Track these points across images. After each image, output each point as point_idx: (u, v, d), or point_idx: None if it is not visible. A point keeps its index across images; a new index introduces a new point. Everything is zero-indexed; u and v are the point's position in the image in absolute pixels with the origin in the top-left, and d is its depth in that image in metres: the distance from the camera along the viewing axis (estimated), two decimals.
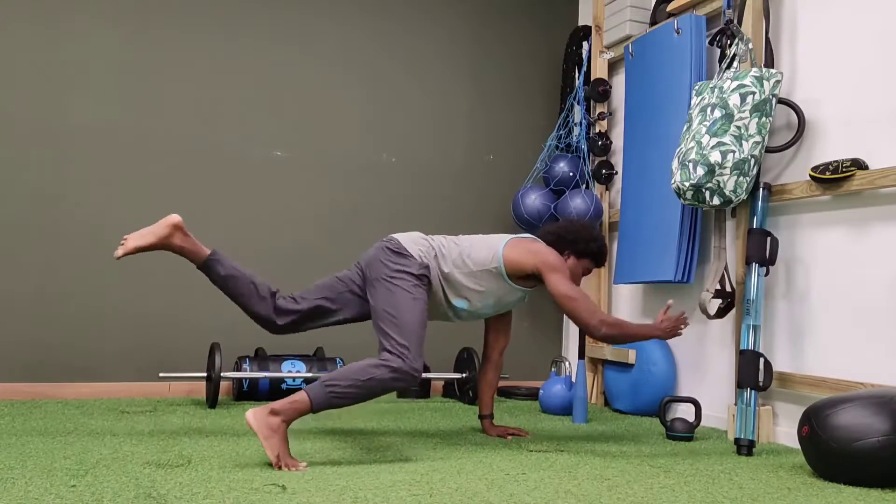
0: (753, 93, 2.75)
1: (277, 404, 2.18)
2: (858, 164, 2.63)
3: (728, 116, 2.75)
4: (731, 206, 2.86)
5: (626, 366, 3.56)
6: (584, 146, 3.95)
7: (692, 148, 2.81)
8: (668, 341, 3.50)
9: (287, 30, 3.90)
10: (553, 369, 3.76)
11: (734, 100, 2.76)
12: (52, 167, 3.48)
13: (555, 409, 3.45)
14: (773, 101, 2.80)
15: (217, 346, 3.29)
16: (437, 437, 2.75)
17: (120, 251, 2.42)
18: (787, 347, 2.93)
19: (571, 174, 3.84)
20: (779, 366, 2.92)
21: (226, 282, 2.61)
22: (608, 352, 3.69)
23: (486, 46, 4.31)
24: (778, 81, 2.79)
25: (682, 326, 2.58)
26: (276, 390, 3.48)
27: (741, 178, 2.77)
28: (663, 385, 3.41)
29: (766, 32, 3.01)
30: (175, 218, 2.51)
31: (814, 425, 2.22)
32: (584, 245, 2.72)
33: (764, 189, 2.88)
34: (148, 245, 2.46)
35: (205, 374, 3.34)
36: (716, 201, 2.81)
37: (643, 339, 2.62)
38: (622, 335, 2.53)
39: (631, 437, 2.91)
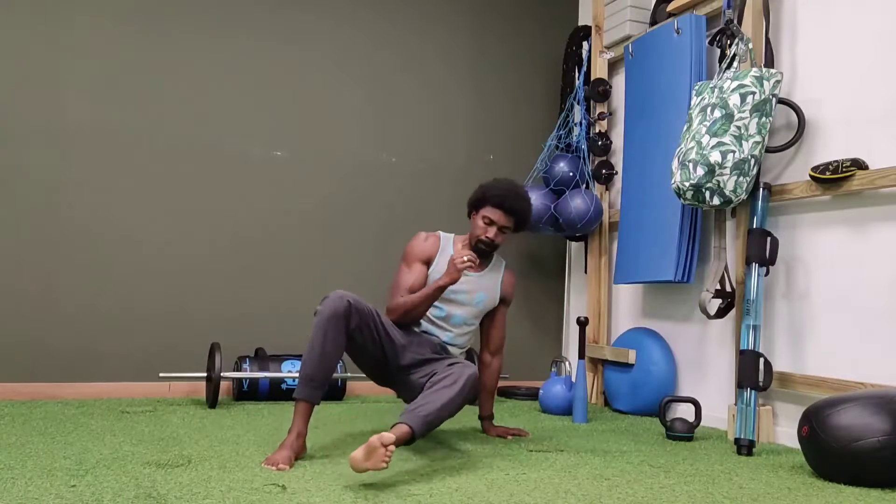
0: (753, 93, 2.75)
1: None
2: (858, 164, 2.63)
3: (728, 116, 2.75)
4: (731, 206, 2.86)
5: (626, 366, 3.56)
6: (584, 146, 3.95)
7: (692, 148, 2.81)
8: (669, 342, 3.50)
9: (287, 30, 3.90)
10: (553, 369, 3.76)
11: (734, 100, 2.76)
12: (51, 167, 3.47)
13: (555, 409, 3.45)
14: (773, 101, 2.80)
15: (217, 346, 3.29)
16: (436, 437, 2.75)
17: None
18: (787, 347, 2.93)
19: (571, 174, 3.84)
20: (779, 366, 2.92)
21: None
22: (608, 352, 3.69)
23: (486, 46, 4.31)
24: (778, 81, 2.79)
25: (465, 257, 2.43)
26: (275, 390, 3.48)
27: (741, 178, 2.76)
28: (663, 385, 3.41)
29: (766, 32, 3.01)
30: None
31: (814, 425, 2.22)
32: (472, 198, 2.71)
33: (764, 189, 2.88)
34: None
35: (205, 374, 3.34)
36: (716, 201, 2.81)
37: (437, 292, 2.52)
38: (411, 307, 2.54)
39: (631, 437, 2.91)
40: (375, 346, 2.48)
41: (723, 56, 3.01)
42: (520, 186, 2.71)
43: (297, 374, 3.42)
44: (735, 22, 2.99)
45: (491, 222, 2.64)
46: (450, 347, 2.69)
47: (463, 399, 2.30)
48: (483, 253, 2.68)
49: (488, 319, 2.82)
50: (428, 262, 2.68)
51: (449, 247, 2.73)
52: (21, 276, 3.41)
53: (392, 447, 1.93)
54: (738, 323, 2.99)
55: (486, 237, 2.64)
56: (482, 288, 2.72)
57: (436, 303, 2.62)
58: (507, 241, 2.75)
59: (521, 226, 2.70)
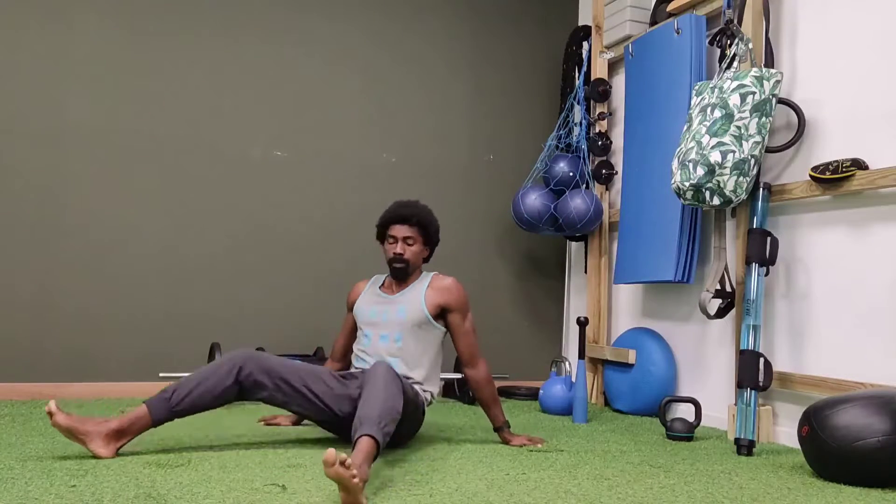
0: (753, 93, 2.75)
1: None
2: (858, 164, 2.63)
3: (728, 116, 2.75)
4: (731, 206, 2.86)
5: (626, 366, 3.56)
6: (584, 146, 3.95)
7: (692, 148, 2.81)
8: (669, 342, 3.50)
9: (287, 30, 3.90)
10: (553, 369, 3.76)
11: (734, 100, 2.76)
12: (51, 167, 3.48)
13: (555, 409, 3.45)
14: (773, 101, 2.80)
15: (217, 346, 3.29)
16: (436, 437, 2.75)
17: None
18: (787, 347, 2.93)
19: (571, 174, 3.84)
20: (779, 366, 2.92)
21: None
22: (608, 352, 3.69)
23: (486, 46, 4.31)
24: (778, 81, 2.79)
25: None
26: None
27: (741, 178, 2.77)
28: (663, 385, 3.41)
29: (766, 32, 3.01)
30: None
31: (814, 425, 2.22)
32: (376, 235, 2.75)
33: (764, 189, 2.88)
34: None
35: None
36: (716, 201, 2.81)
37: None
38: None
39: (631, 437, 2.91)
40: (300, 403, 2.42)
41: (723, 56, 3.01)
42: (410, 200, 2.75)
43: None
44: (735, 22, 2.99)
45: (394, 239, 2.67)
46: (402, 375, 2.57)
47: (390, 383, 2.20)
48: (399, 272, 2.66)
49: (452, 336, 2.69)
50: (352, 306, 2.78)
51: (377, 283, 2.78)
52: (21, 277, 3.41)
53: (347, 459, 1.69)
54: (738, 323, 2.99)
55: (395, 253, 2.65)
56: (402, 303, 2.64)
57: (363, 329, 2.66)
58: (422, 252, 2.70)
59: (424, 228, 2.68)
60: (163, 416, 2.26)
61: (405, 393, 2.31)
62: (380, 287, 2.75)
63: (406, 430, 2.44)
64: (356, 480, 1.70)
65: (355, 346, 2.71)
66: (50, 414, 2.10)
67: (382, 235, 2.73)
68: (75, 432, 2.14)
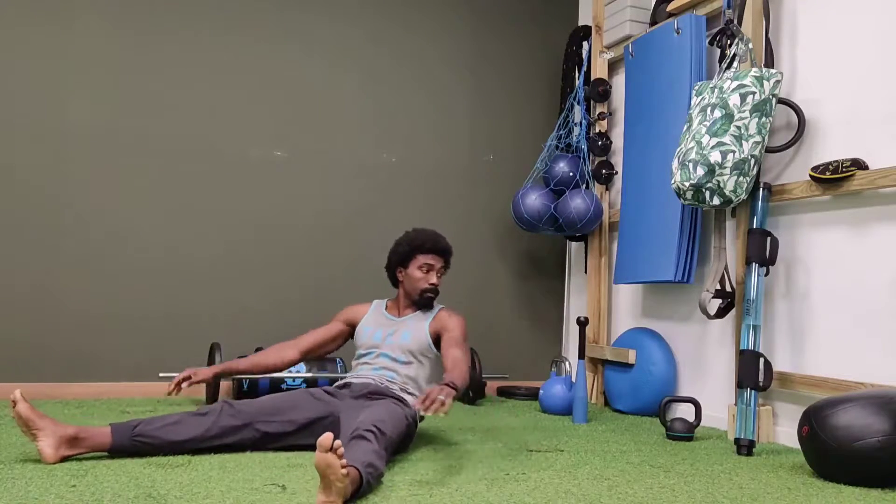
0: (753, 93, 2.75)
1: None
2: (858, 164, 2.63)
3: (728, 116, 2.75)
4: (731, 206, 2.86)
5: (626, 366, 3.56)
6: (584, 146, 3.95)
7: (692, 148, 2.81)
8: (669, 342, 3.50)
9: (287, 30, 3.90)
10: (553, 369, 3.76)
11: (734, 100, 2.76)
12: (51, 167, 3.48)
13: (555, 409, 3.45)
14: (773, 101, 2.80)
15: (217, 346, 3.29)
16: (436, 437, 2.75)
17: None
18: (787, 347, 2.93)
19: (571, 174, 3.84)
20: (779, 366, 2.92)
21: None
22: (608, 352, 3.69)
23: (486, 46, 4.31)
24: (778, 81, 2.79)
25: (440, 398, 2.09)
26: (275, 390, 3.47)
27: (741, 178, 2.77)
28: (663, 385, 3.41)
29: (766, 32, 3.01)
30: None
31: (814, 425, 2.22)
32: (395, 257, 2.74)
33: (764, 189, 2.88)
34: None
35: None
36: (716, 201, 2.81)
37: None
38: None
39: (631, 437, 2.91)
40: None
41: (723, 56, 3.01)
42: (434, 231, 2.79)
43: (297, 374, 3.44)
44: (735, 22, 2.99)
45: (430, 268, 2.69)
46: (392, 384, 2.58)
47: (389, 443, 2.13)
48: (429, 302, 2.72)
49: (441, 347, 2.63)
50: (352, 323, 2.78)
51: (380, 307, 2.79)
52: (21, 276, 3.41)
53: (340, 446, 1.65)
54: (738, 323, 2.99)
55: (430, 283, 2.69)
56: (408, 329, 2.68)
57: (363, 350, 2.66)
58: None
59: (449, 264, 2.78)
60: (124, 440, 2.15)
61: (399, 430, 2.28)
62: (385, 309, 2.79)
63: (400, 447, 2.41)
64: (344, 472, 1.65)
65: (354, 361, 2.73)
66: (13, 402, 2.04)
67: (408, 261, 2.71)
68: (31, 425, 2.06)
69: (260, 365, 2.64)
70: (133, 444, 2.17)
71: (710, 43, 3.11)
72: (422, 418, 2.65)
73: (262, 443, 2.34)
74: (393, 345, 2.65)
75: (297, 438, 2.38)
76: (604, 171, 3.92)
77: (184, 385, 2.40)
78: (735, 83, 2.78)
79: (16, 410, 2.07)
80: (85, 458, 2.16)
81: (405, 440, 2.41)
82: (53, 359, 3.43)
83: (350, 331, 2.80)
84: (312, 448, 2.36)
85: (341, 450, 1.65)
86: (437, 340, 2.67)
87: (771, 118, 2.80)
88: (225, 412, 2.30)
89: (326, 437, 1.63)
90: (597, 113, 4.01)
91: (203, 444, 2.25)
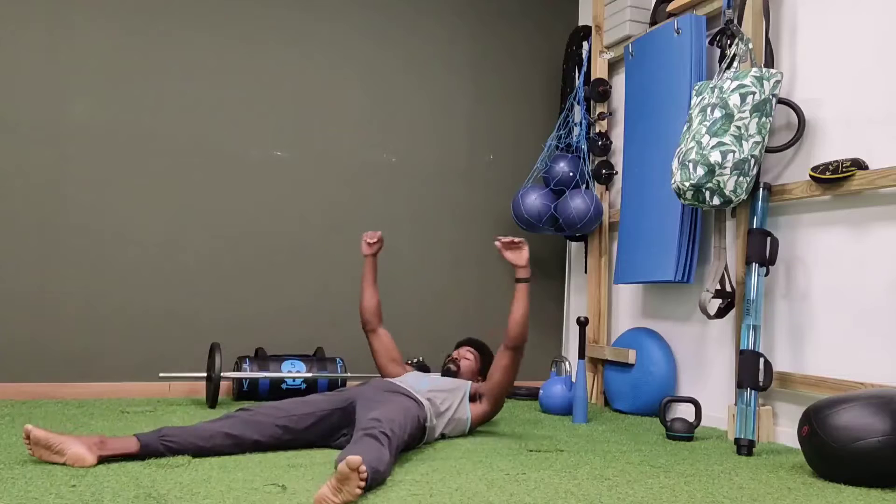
0: (753, 93, 2.75)
1: None
2: (858, 164, 2.63)
3: (728, 116, 2.75)
4: (731, 206, 2.86)
5: (626, 366, 3.56)
6: (584, 146, 3.95)
7: (692, 148, 2.81)
8: (669, 342, 3.50)
9: (287, 30, 3.90)
10: (553, 369, 3.76)
11: (734, 100, 2.76)
12: (51, 167, 3.47)
13: (555, 409, 3.45)
14: (773, 101, 2.80)
15: (217, 346, 3.29)
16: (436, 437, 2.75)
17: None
18: (787, 347, 2.93)
19: (571, 174, 3.84)
20: (779, 366, 2.92)
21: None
22: (608, 352, 3.69)
23: (486, 46, 4.31)
24: (778, 81, 2.79)
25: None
26: (276, 390, 3.48)
27: (741, 178, 2.76)
28: (663, 385, 3.41)
29: (766, 32, 3.01)
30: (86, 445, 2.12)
31: (814, 425, 2.22)
32: None
33: (764, 189, 2.88)
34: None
35: (205, 374, 3.34)
36: (716, 201, 2.81)
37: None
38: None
39: (631, 437, 2.90)
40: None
41: (723, 56, 3.01)
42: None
43: (297, 374, 3.45)
44: (735, 22, 2.99)
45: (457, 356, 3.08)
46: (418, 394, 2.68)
47: (394, 450, 2.14)
48: (449, 373, 3.01)
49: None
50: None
51: None
52: (21, 276, 3.41)
53: (365, 471, 1.75)
54: (738, 323, 2.99)
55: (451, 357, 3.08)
56: (451, 385, 2.84)
57: (414, 389, 2.70)
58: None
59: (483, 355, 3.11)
60: (152, 441, 2.15)
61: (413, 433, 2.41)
62: None
63: (408, 446, 2.43)
64: (359, 492, 1.75)
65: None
66: (27, 436, 2.04)
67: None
68: (52, 445, 2.05)
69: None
70: (160, 444, 2.17)
71: (710, 43, 3.11)
72: (438, 437, 2.70)
73: (284, 436, 2.37)
74: (431, 386, 2.78)
75: (317, 429, 2.43)
76: (604, 171, 3.92)
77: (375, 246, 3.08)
78: (735, 83, 2.78)
79: (33, 437, 2.04)
80: None
81: (414, 440, 2.44)
82: (53, 359, 3.43)
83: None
84: (320, 445, 2.43)
85: (364, 474, 1.76)
86: (473, 395, 2.85)
87: (771, 118, 2.80)
88: (243, 417, 2.35)
89: (355, 461, 1.73)
90: (597, 113, 4.01)
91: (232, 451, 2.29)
